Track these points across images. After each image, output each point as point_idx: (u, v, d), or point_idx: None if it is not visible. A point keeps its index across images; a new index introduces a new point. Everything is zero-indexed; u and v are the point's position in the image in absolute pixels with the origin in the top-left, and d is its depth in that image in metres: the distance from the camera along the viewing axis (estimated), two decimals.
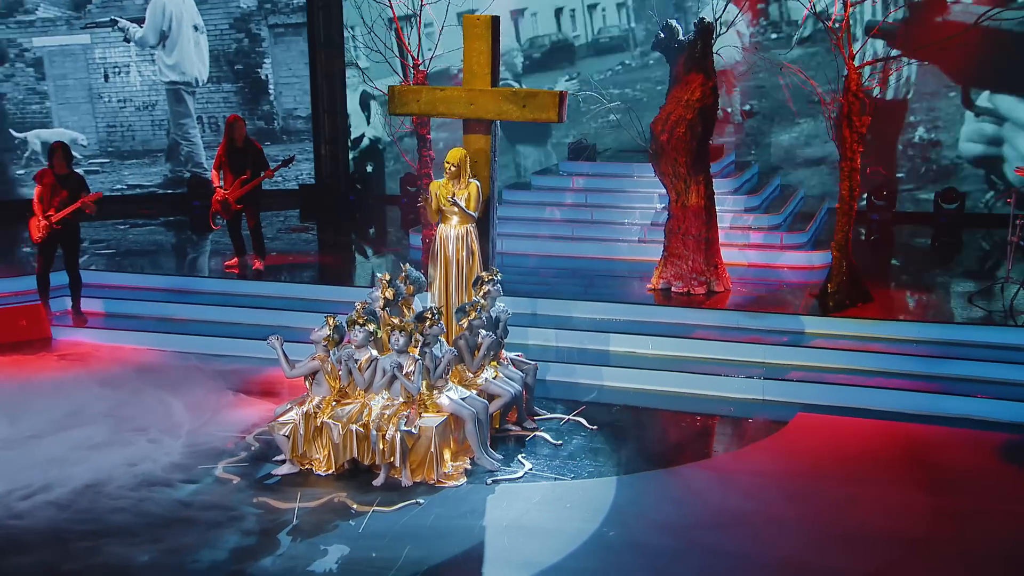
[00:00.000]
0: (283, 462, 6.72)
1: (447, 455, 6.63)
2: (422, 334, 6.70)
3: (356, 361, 6.62)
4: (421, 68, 9.88)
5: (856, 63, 8.58)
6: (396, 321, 6.67)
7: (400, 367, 6.53)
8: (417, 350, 6.69)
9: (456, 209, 7.47)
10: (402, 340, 6.58)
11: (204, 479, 6.46)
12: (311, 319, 9.57)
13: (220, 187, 10.79)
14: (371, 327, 6.68)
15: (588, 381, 8.49)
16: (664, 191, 10.13)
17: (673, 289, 9.78)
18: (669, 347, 8.80)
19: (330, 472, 6.62)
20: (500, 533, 5.80)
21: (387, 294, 7.36)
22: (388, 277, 7.39)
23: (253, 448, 7.01)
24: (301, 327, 9.39)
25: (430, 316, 6.78)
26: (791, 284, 10.27)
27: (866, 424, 7.45)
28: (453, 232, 7.56)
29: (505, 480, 6.54)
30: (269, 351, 8.93)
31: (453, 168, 7.47)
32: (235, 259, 11.18)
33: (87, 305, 10.03)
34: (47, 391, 7.70)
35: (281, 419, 6.62)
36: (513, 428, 7.46)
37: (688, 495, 6.29)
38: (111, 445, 6.73)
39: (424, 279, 7.72)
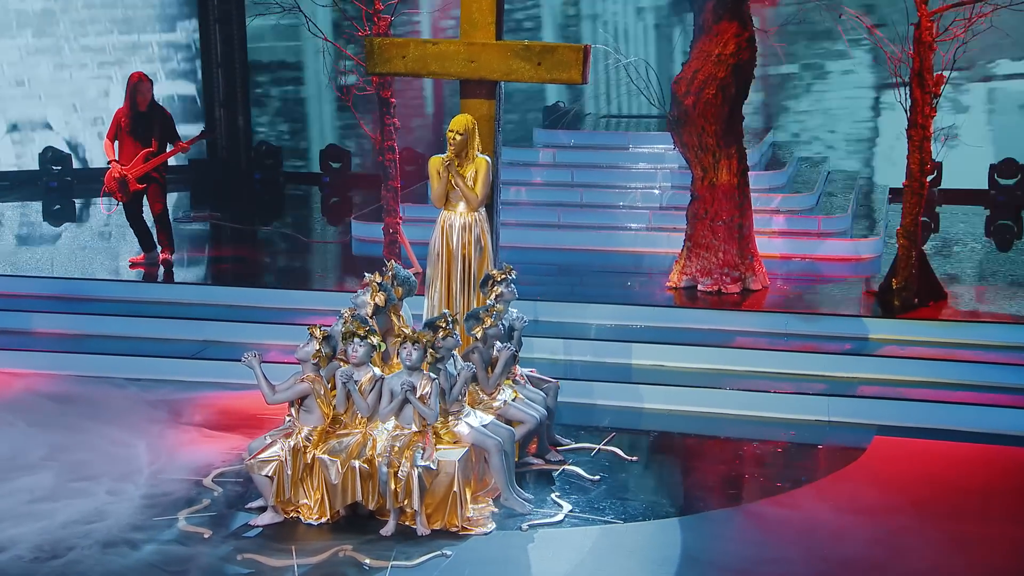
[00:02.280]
0: (262, 509, 6.80)
1: (468, 495, 6.81)
2: (434, 347, 6.87)
3: (357, 382, 6.76)
4: (384, 15, 10.03)
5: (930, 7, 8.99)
6: (408, 331, 6.82)
7: (413, 388, 6.70)
8: (429, 367, 6.85)
9: (460, 189, 7.61)
10: (415, 355, 6.73)
11: (165, 534, 6.52)
12: (248, 330, 9.76)
13: (116, 162, 10.79)
14: (374, 339, 6.82)
15: (610, 402, 8.76)
16: (680, 167, 10.49)
17: (700, 287, 10.13)
18: (705, 359, 9.14)
19: (323, 520, 6.73)
20: None
21: (377, 299, 7.50)
22: (379, 279, 7.53)
23: (216, 494, 7.09)
24: (236, 342, 9.58)
25: (444, 325, 6.94)
26: (832, 279, 10.72)
27: (961, 448, 7.85)
28: (459, 220, 7.69)
29: (542, 525, 6.74)
30: (205, 372, 9.19)
31: (459, 137, 7.59)
32: (141, 254, 11.18)
33: None
34: None
35: (261, 456, 6.71)
36: (535, 461, 7.67)
37: (769, 538, 6.57)
38: (59, 498, 6.75)
39: (414, 279, 7.88)
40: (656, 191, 12.57)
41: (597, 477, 7.45)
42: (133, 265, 11.17)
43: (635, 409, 8.70)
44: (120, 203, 11.02)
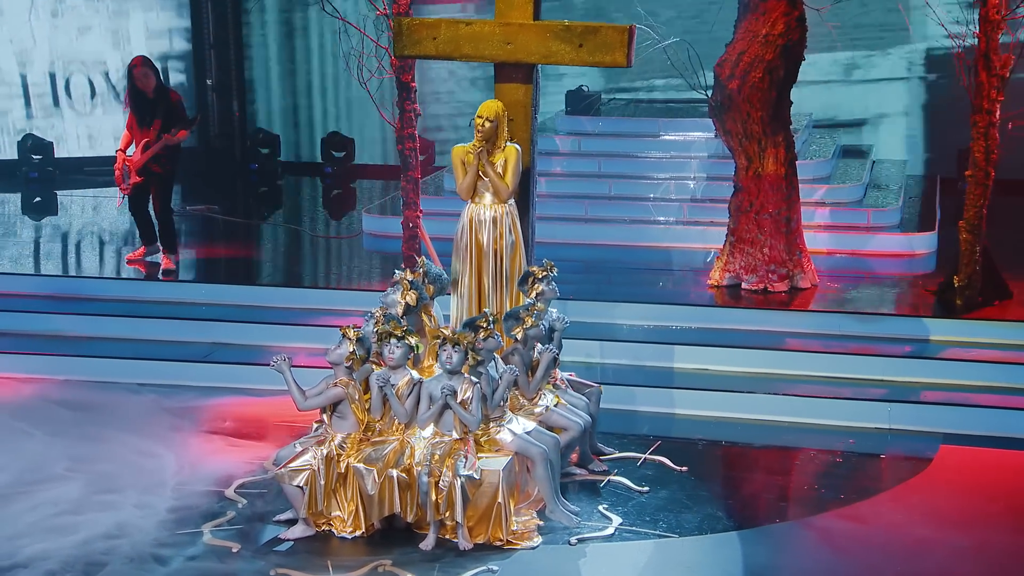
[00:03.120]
0: (292, 522, 6.90)
1: (512, 507, 6.90)
2: (474, 349, 6.96)
3: (393, 386, 6.85)
4: None
5: None
6: (447, 332, 6.91)
7: (454, 392, 6.78)
8: (469, 370, 6.94)
9: (489, 179, 7.68)
10: (456, 357, 6.82)
11: (191, 549, 6.62)
12: (258, 332, 9.86)
13: (121, 151, 10.89)
14: (412, 340, 6.90)
15: (651, 408, 8.85)
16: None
17: (744, 285, 10.23)
18: (753, 362, 9.24)
19: (357, 534, 6.82)
20: None
21: (408, 298, 7.59)
22: (410, 276, 7.62)
23: (240, 505, 7.18)
24: (246, 344, 9.70)
25: (484, 325, 7.03)
26: (884, 277, 10.82)
27: None
28: (488, 213, 7.75)
29: (592, 539, 6.83)
30: (215, 376, 9.28)
31: (488, 124, 7.66)
32: (141, 248, 11.26)
33: None
34: None
35: (292, 465, 6.80)
36: (577, 471, 7.76)
37: (838, 554, 6.66)
38: (85, 511, 6.85)
39: (447, 277, 7.97)
40: (690, 182, 12.67)
41: (646, 488, 7.54)
42: (131, 262, 11.23)
43: (679, 416, 8.81)
44: (125, 195, 11.09)
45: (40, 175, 15.71)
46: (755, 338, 9.47)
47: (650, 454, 8.04)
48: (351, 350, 6.87)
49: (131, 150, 10.88)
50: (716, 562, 6.62)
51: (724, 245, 10.44)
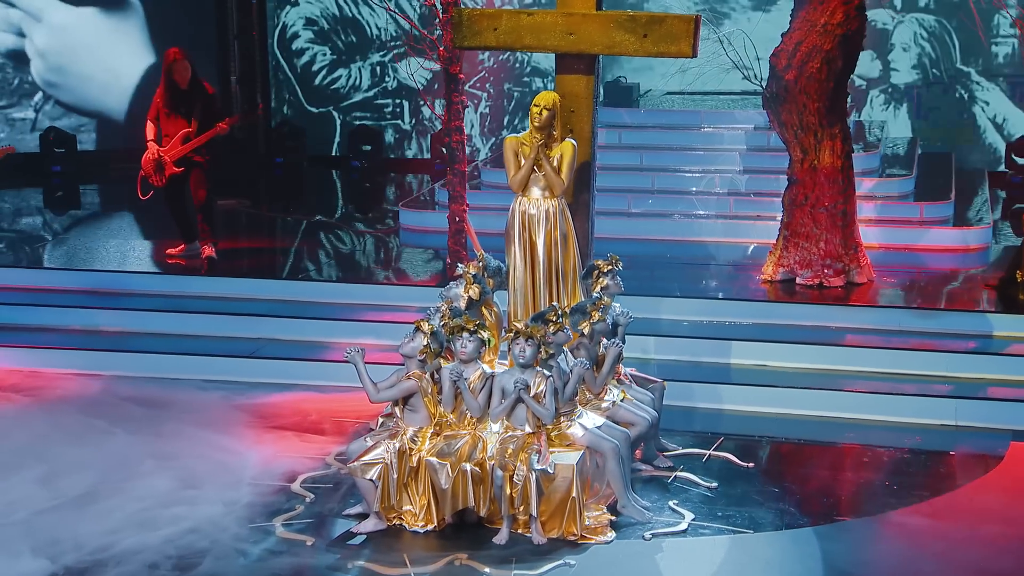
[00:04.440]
0: (363, 516, 7.08)
1: (584, 501, 7.07)
2: (545, 342, 7.13)
3: (467, 380, 7.03)
4: None
5: None
6: (520, 326, 7.08)
7: (527, 387, 6.96)
8: (540, 364, 7.11)
9: (543, 173, 7.79)
10: (528, 351, 7.00)
11: (267, 542, 6.81)
12: (304, 327, 10.04)
13: (152, 143, 11.07)
14: (484, 334, 7.08)
15: (711, 405, 9.02)
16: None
17: (798, 280, 10.40)
18: (813, 358, 9.40)
19: (429, 528, 7.00)
20: None
21: (472, 292, 7.76)
22: (473, 270, 7.79)
23: (308, 500, 7.37)
24: (291, 339, 9.89)
25: (554, 319, 7.21)
26: (938, 271, 10.99)
27: None
28: (540, 207, 7.86)
29: (666, 534, 7.01)
30: (264, 372, 9.47)
31: (546, 113, 7.74)
32: (181, 244, 11.44)
33: None
34: (53, 436, 8.03)
35: (366, 459, 6.97)
36: (643, 467, 7.93)
37: (918, 550, 6.82)
38: (173, 506, 7.10)
39: (505, 270, 8.13)
40: (734, 175, 12.84)
41: (714, 484, 7.71)
42: (170, 258, 11.41)
43: (739, 412, 8.96)
44: (157, 188, 11.24)
45: (63, 168, 15.91)
46: (813, 334, 9.64)
47: (714, 450, 8.21)
48: (425, 343, 7.04)
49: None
50: (796, 558, 6.78)
51: (777, 239, 10.61)
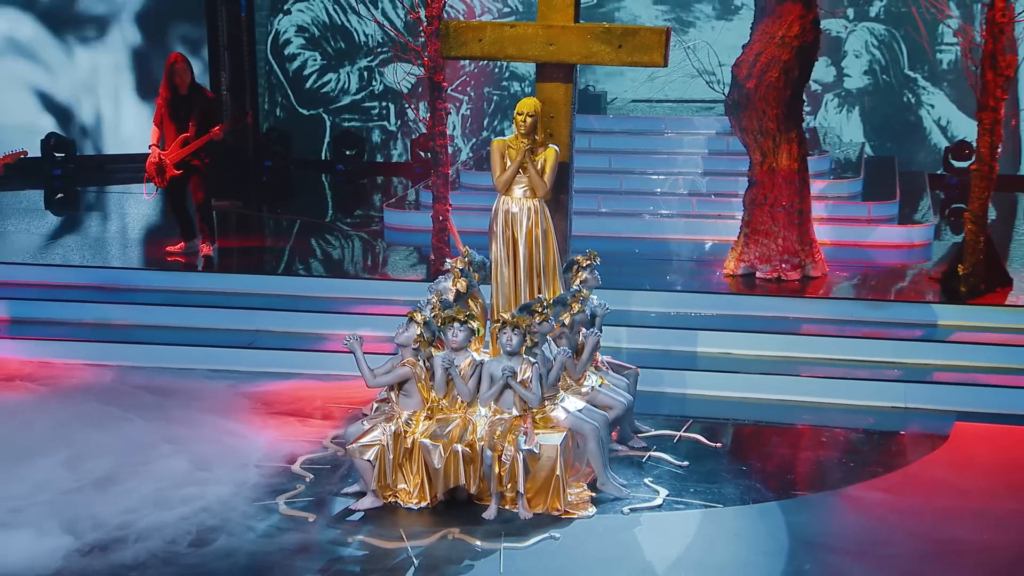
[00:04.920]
0: (360, 494, 7.14)
1: (567, 479, 7.16)
2: (531, 332, 7.21)
3: (458, 367, 7.10)
4: None
5: None
6: (507, 316, 7.16)
7: (514, 373, 7.04)
8: (526, 351, 7.19)
9: (527, 176, 7.88)
10: (515, 340, 7.08)
11: (270, 518, 6.86)
12: (297, 319, 10.08)
13: (155, 146, 11.07)
14: (474, 324, 7.16)
15: (680, 390, 9.09)
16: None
17: (758, 274, 10.52)
18: (773, 346, 9.51)
19: (423, 505, 7.07)
20: (675, 570, 6.35)
21: (459, 285, 7.84)
22: (460, 265, 7.86)
23: (308, 480, 7.42)
24: (286, 331, 9.92)
25: (540, 310, 7.30)
26: (886, 266, 11.14)
27: None
28: (522, 206, 7.93)
29: (643, 509, 7.10)
30: (261, 362, 9.50)
31: (530, 119, 7.83)
32: (180, 243, 11.45)
33: None
34: (70, 422, 8.06)
35: (363, 441, 7.03)
36: (619, 447, 8.02)
37: (874, 522, 6.94)
38: (187, 486, 7.14)
39: (489, 264, 8.20)
40: (696, 177, 12.96)
41: (685, 463, 7.80)
42: (171, 255, 11.41)
43: (706, 397, 9.04)
44: (160, 189, 11.25)
45: (63, 172, 15.87)
46: (773, 324, 9.75)
47: (684, 432, 8.31)
48: (419, 333, 7.10)
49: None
50: (762, 530, 6.88)
51: (739, 236, 10.72)
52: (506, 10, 16.01)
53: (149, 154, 11.09)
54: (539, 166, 7.85)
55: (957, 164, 14.75)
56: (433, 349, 7.32)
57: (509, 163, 7.80)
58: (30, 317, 10.40)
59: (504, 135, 7.97)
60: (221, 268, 11.13)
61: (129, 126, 16.56)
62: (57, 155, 15.98)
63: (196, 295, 10.67)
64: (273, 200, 15.23)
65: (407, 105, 10.93)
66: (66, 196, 15.23)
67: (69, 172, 15.92)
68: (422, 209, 12.81)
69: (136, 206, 14.06)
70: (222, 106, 15.02)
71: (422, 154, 15.79)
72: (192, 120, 11.00)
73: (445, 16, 10.33)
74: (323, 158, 16.84)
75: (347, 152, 16.43)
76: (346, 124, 16.59)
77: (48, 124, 16.26)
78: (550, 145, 7.95)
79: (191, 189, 11.20)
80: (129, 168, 15.99)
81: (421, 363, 7.15)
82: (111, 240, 12.46)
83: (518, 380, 7.05)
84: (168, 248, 11.50)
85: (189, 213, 11.35)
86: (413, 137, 16.05)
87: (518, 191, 7.91)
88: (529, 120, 7.83)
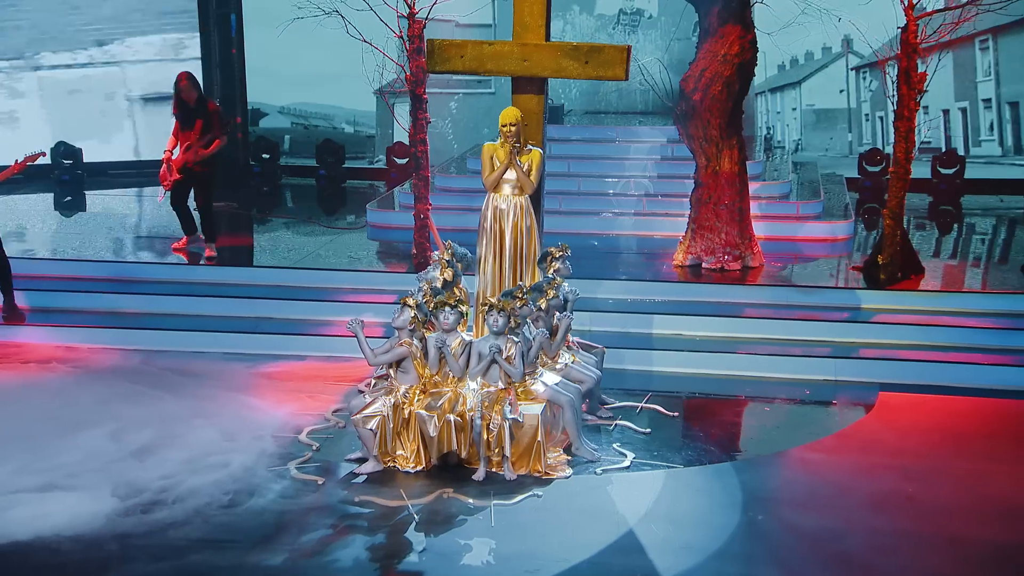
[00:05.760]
0: (361, 460, 7.25)
1: (546, 444, 7.30)
2: (514, 314, 7.34)
3: (449, 346, 7.22)
4: (418, 18, 10.43)
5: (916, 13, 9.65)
6: (494, 301, 7.28)
7: (500, 351, 7.17)
8: (509, 332, 7.32)
9: (514, 177, 8.06)
10: (501, 321, 7.21)
11: (285, 482, 6.95)
12: (293, 307, 10.15)
13: (168, 152, 11.08)
14: (463, 308, 7.28)
15: (639, 367, 9.24)
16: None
17: (704, 265, 10.70)
18: (719, 328, 9.69)
19: (419, 468, 7.18)
20: (645, 521, 6.51)
21: (445, 275, 7.95)
22: (447, 256, 7.98)
23: (315, 448, 7.52)
24: (285, 318, 9.98)
25: (520, 295, 7.43)
26: (814, 257, 11.38)
27: (955, 401, 8.50)
28: (509, 203, 8.12)
29: (614, 470, 7.26)
30: (264, 345, 9.55)
31: (512, 128, 8.01)
32: (184, 239, 11.45)
33: None
34: (111, 401, 8.14)
35: (366, 412, 7.14)
36: (589, 417, 8.16)
37: (815, 478, 7.15)
38: (216, 455, 7.24)
39: (471, 255, 8.32)
40: (646, 179, 13.13)
41: (648, 430, 7.97)
42: (176, 250, 11.42)
43: (662, 373, 9.19)
44: (166, 191, 11.26)
45: (70, 178, 15.78)
46: (719, 308, 9.93)
47: (645, 403, 8.47)
48: (413, 315, 7.21)
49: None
50: (719, 487, 7.07)
51: (686, 232, 10.90)
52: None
53: (162, 160, 11.08)
54: (525, 167, 8.00)
55: (870, 168, 15.02)
56: (426, 331, 7.43)
57: (498, 164, 7.94)
58: (51, 306, 10.35)
59: (495, 140, 8.07)
60: (222, 262, 11.12)
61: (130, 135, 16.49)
62: (65, 162, 15.86)
63: (201, 286, 10.68)
64: (264, 202, 15.22)
65: (394, 117, 10.96)
66: (74, 199, 15.12)
67: (76, 177, 15.81)
68: (400, 209, 12.90)
69: (140, 207, 14.03)
70: (225, 116, 15.04)
71: (397, 160, 15.87)
72: (198, 129, 11.00)
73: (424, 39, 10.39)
74: (309, 164, 16.80)
75: (328, 159, 16.43)
76: (328, 134, 16.57)
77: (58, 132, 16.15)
78: (535, 148, 8.10)
79: (194, 191, 11.21)
80: (129, 173, 16.04)
81: (416, 343, 7.26)
82: (120, 237, 12.41)
83: (503, 357, 7.18)
84: (173, 245, 11.50)
85: (190, 212, 11.35)
86: (389, 145, 16.10)
87: (507, 189, 8.07)
88: (512, 129, 8.01)
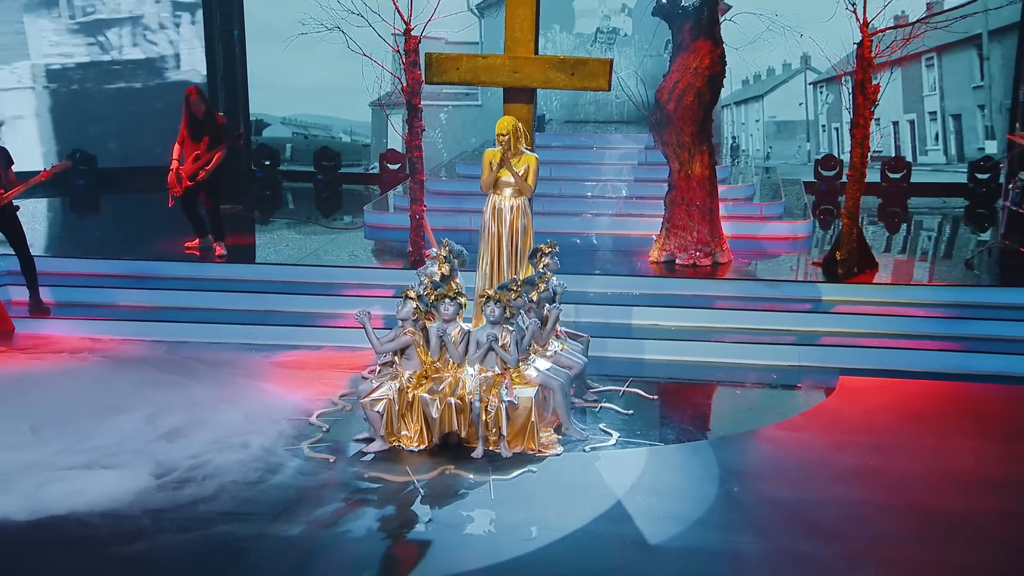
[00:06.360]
0: (368, 440, 7.28)
1: (539, 425, 7.36)
2: (509, 305, 7.39)
3: (450, 335, 7.26)
4: (413, 34, 10.46)
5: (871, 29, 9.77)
6: (491, 292, 7.33)
7: (496, 339, 7.22)
8: (504, 322, 7.37)
9: (514, 180, 8.12)
10: (497, 311, 7.26)
11: (300, 461, 6.98)
12: (298, 301, 10.16)
13: (176, 161, 11.06)
14: (462, 300, 7.32)
15: (620, 355, 9.30)
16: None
17: (677, 261, 10.78)
18: (693, 319, 9.77)
19: (422, 447, 7.23)
20: (631, 494, 6.58)
21: (443, 269, 8.00)
22: (444, 252, 8.02)
23: (325, 429, 7.55)
24: (291, 311, 10.01)
25: (515, 288, 7.49)
26: (776, 254, 11.48)
27: (908, 384, 8.62)
28: (507, 204, 8.18)
29: (601, 448, 7.33)
30: (274, 336, 9.56)
31: (505, 136, 8.09)
32: (196, 239, 11.44)
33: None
34: (151, 387, 8.16)
35: (373, 396, 7.17)
36: (576, 400, 8.23)
37: (785, 454, 7.25)
38: (241, 435, 7.26)
39: (466, 252, 8.37)
40: (622, 183, 13.21)
41: (630, 412, 8.04)
42: (188, 249, 11.40)
43: (642, 360, 9.27)
44: (177, 196, 11.23)
45: (86, 182, 15.71)
46: (692, 300, 10.00)
47: (627, 387, 8.54)
48: (415, 306, 7.25)
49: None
50: (698, 462, 7.15)
51: (661, 230, 10.97)
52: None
53: (170, 168, 11.06)
54: (522, 171, 8.07)
55: (825, 173, 15.17)
56: (427, 321, 7.47)
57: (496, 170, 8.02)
58: (73, 301, 10.33)
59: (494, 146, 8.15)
60: (231, 259, 11.11)
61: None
62: (81, 167, 15.78)
63: (212, 282, 10.66)
64: (267, 204, 15.20)
65: (391, 125, 10.98)
66: (92, 202, 15.06)
67: (91, 182, 15.74)
68: (395, 211, 12.92)
69: (152, 210, 13.96)
70: (230, 128, 15.02)
71: (390, 166, 15.87)
72: (205, 139, 11.01)
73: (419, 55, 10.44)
74: (306, 169, 16.79)
75: (325, 164, 16.43)
76: (326, 142, 16.56)
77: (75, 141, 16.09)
78: (531, 153, 8.16)
79: (202, 199, 11.22)
80: (142, 178, 15.97)
81: (419, 332, 7.30)
82: (135, 237, 12.36)
83: (499, 344, 7.23)
84: (186, 244, 11.48)
85: (199, 215, 11.35)
86: (382, 152, 16.11)
87: (507, 191, 8.15)
88: (504, 137, 8.06)
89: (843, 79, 10.11)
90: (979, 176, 14.75)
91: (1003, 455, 7.26)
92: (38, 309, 9.98)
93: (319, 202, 15.47)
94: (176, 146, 11.05)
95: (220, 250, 11.23)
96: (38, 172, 10.03)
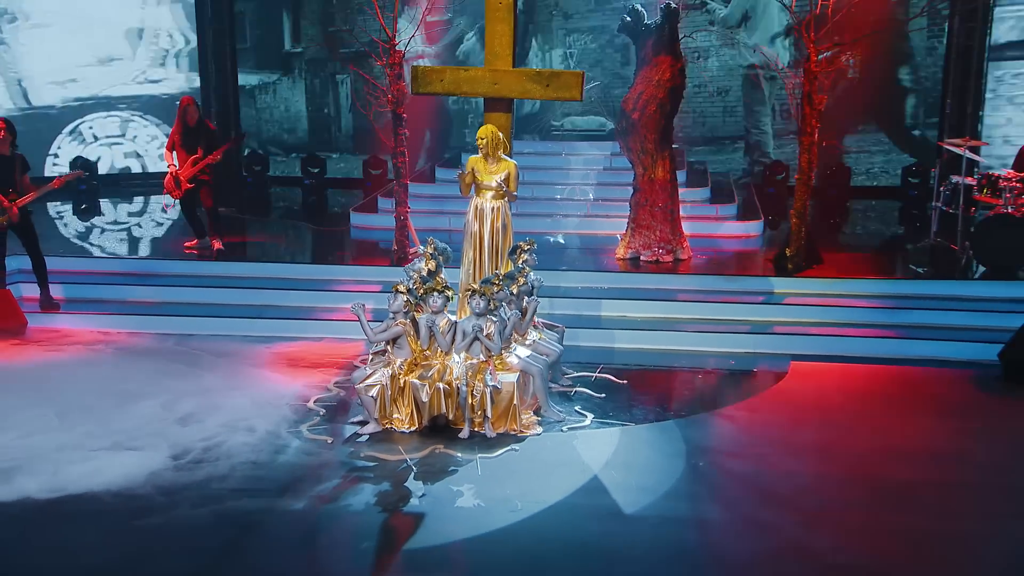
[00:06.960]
0: (363, 422, 7.35)
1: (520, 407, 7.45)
2: (493, 297, 7.48)
3: (438, 326, 7.34)
4: (398, 48, 10.51)
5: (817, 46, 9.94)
6: (476, 286, 7.42)
7: (482, 329, 7.31)
8: (488, 313, 7.46)
9: (493, 184, 8.20)
10: (482, 304, 7.35)
11: (301, 442, 7.03)
12: (292, 296, 10.19)
13: (173, 166, 11.06)
14: (449, 293, 7.40)
15: (592, 344, 9.40)
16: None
17: (642, 258, 10.91)
18: (657, 310, 9.90)
19: (413, 429, 7.30)
20: (606, 468, 6.70)
21: (430, 266, 8.07)
22: (430, 250, 8.09)
23: (322, 413, 7.60)
24: (287, 305, 10.03)
25: (497, 282, 7.58)
26: (731, 251, 11.64)
27: (854, 368, 8.80)
28: (488, 205, 8.27)
29: (577, 428, 7.44)
30: (271, 328, 9.58)
31: (483, 142, 8.18)
32: (195, 240, 11.43)
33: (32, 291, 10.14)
34: (168, 377, 8.18)
35: (367, 381, 7.24)
36: (552, 385, 8.33)
37: (746, 431, 7.39)
38: (249, 419, 7.32)
39: (450, 250, 8.45)
40: (590, 187, 13.32)
41: (603, 395, 8.15)
42: (188, 249, 11.39)
43: (611, 348, 9.38)
44: (176, 200, 11.23)
45: (87, 188, 15.61)
46: (655, 294, 10.12)
47: (599, 373, 8.65)
48: (406, 299, 7.32)
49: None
50: (666, 440, 7.27)
51: (626, 230, 11.09)
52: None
53: (167, 173, 11.05)
54: (503, 177, 8.13)
55: (779, 177, 15.29)
56: (416, 313, 7.55)
57: (478, 175, 8.09)
58: (81, 297, 10.30)
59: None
60: (228, 257, 11.12)
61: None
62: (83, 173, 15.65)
63: (211, 278, 10.66)
64: (258, 207, 15.18)
65: (379, 132, 11.02)
66: (91, 206, 14.97)
67: (92, 187, 15.64)
68: (380, 212, 12.95)
69: (151, 212, 13.93)
70: (220, 136, 14.99)
71: (372, 172, 15.89)
72: (200, 147, 11.02)
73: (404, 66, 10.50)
74: (294, 174, 16.78)
75: (311, 169, 16.42)
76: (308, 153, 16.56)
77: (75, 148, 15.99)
78: (510, 159, 8.25)
79: (202, 198, 11.21)
80: (140, 183, 15.90)
81: (409, 323, 7.37)
82: (138, 238, 12.34)
83: (484, 334, 7.32)
84: (186, 244, 11.47)
85: (198, 216, 11.35)
86: (364, 158, 16.13)
87: (489, 194, 8.23)
88: (483, 142, 8.14)
89: (793, 91, 10.22)
90: (911, 180, 15.01)
91: (939, 430, 7.44)
92: (48, 305, 9.95)
93: (307, 205, 15.46)
94: (167, 152, 11.05)
95: (218, 244, 11.25)
96: (51, 179, 10.00)
